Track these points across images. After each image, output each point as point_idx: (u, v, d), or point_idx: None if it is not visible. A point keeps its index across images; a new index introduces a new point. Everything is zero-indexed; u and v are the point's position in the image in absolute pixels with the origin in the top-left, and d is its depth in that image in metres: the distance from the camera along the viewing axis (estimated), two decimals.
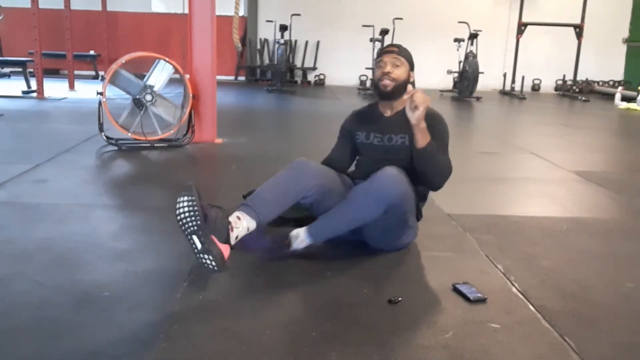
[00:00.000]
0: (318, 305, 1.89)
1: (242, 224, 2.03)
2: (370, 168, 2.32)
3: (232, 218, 2.02)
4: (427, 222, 2.56)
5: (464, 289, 2.00)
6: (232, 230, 1.98)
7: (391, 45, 2.46)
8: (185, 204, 1.90)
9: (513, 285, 2.10)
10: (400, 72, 2.36)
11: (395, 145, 2.39)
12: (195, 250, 1.90)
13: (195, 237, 1.89)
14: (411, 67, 2.41)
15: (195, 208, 1.88)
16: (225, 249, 1.93)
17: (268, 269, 2.14)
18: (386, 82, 2.35)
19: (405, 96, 2.24)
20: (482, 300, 1.94)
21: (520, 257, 2.39)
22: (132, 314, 1.76)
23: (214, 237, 1.91)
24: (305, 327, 1.73)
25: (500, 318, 1.83)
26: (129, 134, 4.26)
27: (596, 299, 2.01)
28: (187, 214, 1.88)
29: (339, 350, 1.60)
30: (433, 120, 2.35)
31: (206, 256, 1.88)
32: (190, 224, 1.88)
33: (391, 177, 2.15)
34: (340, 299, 1.94)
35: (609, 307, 1.96)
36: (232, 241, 1.99)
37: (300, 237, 2.16)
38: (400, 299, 1.92)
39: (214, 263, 1.88)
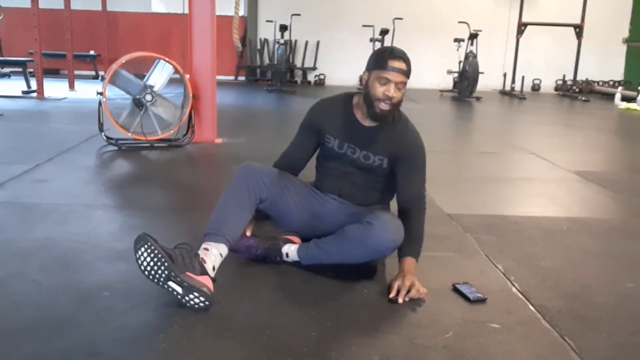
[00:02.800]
0: (318, 305, 1.89)
1: (212, 253, 1.92)
2: (337, 180, 2.28)
3: (200, 252, 1.91)
4: (427, 222, 2.56)
5: (464, 289, 2.00)
6: (204, 262, 1.86)
7: (400, 57, 2.06)
8: (145, 254, 1.76)
9: (513, 285, 2.10)
10: (401, 95, 2.10)
11: (372, 165, 2.22)
12: (179, 296, 1.77)
13: (171, 283, 1.77)
14: None
15: (157, 253, 1.75)
16: (205, 280, 1.81)
17: (268, 269, 2.14)
18: (385, 106, 2.08)
19: (396, 284, 1.95)
20: (482, 300, 1.94)
21: (520, 257, 2.39)
22: (132, 314, 1.76)
23: (189, 274, 1.79)
24: (305, 327, 1.73)
25: (500, 318, 1.83)
26: (129, 134, 4.26)
27: (596, 299, 2.01)
28: (151, 264, 1.76)
29: (339, 350, 1.60)
30: (414, 153, 2.22)
31: (191, 295, 1.76)
32: (159, 271, 1.76)
33: (392, 233, 2.03)
34: (340, 299, 1.94)
35: (609, 307, 1.96)
36: (211, 273, 1.87)
37: (290, 257, 2.17)
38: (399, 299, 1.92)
39: (202, 299, 1.77)
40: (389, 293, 1.95)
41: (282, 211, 2.26)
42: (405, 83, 2.09)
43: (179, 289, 1.77)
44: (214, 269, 1.90)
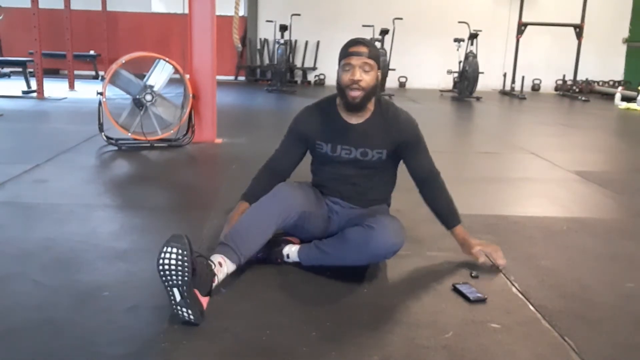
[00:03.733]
0: (318, 305, 1.89)
1: (223, 271, 1.88)
2: (338, 184, 2.27)
3: (215, 268, 1.85)
4: (426, 222, 2.56)
5: (464, 289, 2.00)
6: (214, 282, 1.82)
7: (358, 42, 2.11)
8: (174, 255, 1.67)
9: (513, 285, 2.10)
10: (370, 79, 2.09)
11: (371, 160, 2.22)
12: (173, 302, 1.70)
13: (176, 290, 1.69)
14: (379, 66, 2.15)
15: (186, 263, 1.67)
16: (205, 302, 1.77)
17: (268, 269, 2.14)
18: (355, 93, 2.09)
19: (477, 248, 2.24)
20: (482, 300, 1.94)
21: (520, 257, 2.39)
22: (132, 314, 1.76)
23: (196, 292, 1.72)
24: (305, 327, 1.73)
25: (500, 318, 1.83)
26: (129, 134, 4.26)
27: (596, 299, 2.01)
28: (174, 267, 1.67)
29: (339, 350, 1.60)
30: (416, 136, 2.25)
31: (185, 309, 1.69)
32: (175, 277, 1.68)
33: (393, 237, 2.03)
34: (340, 299, 1.94)
35: (609, 307, 1.96)
36: (212, 290, 1.83)
37: (291, 258, 2.16)
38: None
39: (192, 317, 1.70)
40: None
41: (301, 228, 2.21)
42: (370, 65, 2.09)
43: (179, 299, 1.70)
44: (216, 285, 1.86)
